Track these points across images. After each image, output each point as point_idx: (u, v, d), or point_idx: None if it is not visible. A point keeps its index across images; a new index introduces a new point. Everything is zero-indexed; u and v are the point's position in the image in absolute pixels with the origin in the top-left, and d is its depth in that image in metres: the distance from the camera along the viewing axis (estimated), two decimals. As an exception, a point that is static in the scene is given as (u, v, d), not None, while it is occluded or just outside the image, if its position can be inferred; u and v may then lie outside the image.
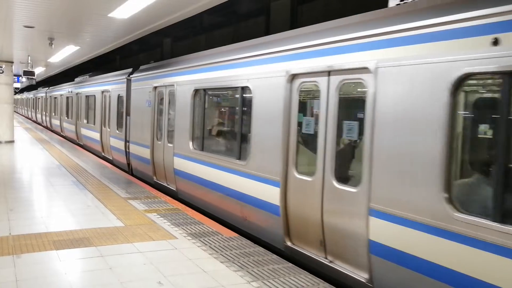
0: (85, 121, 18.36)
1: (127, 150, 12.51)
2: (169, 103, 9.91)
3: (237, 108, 7.53)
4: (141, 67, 12.33)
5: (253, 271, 5.14)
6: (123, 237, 6.18)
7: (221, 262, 5.39)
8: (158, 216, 7.43)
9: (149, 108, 10.89)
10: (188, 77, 8.91)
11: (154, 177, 10.61)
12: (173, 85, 9.54)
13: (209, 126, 8.76)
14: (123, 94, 13.00)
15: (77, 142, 19.76)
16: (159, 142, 10.30)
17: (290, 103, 5.94)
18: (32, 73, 18.88)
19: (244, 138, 7.12)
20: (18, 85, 33.73)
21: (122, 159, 13.12)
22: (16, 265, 5.03)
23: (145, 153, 11.01)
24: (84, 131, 18.43)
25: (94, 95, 16.75)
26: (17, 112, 53.29)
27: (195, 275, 4.98)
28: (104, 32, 11.46)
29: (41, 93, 33.86)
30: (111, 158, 14.39)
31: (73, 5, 8.67)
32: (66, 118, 22.94)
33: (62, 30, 11.55)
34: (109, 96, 14.68)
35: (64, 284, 4.63)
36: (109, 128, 14.64)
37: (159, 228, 6.73)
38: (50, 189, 9.36)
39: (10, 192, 8.84)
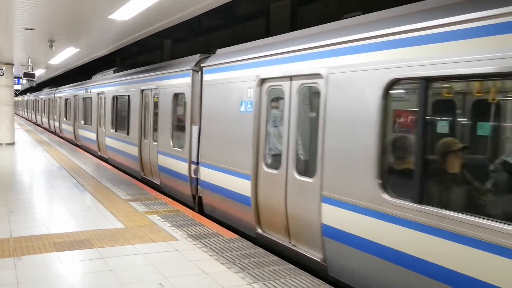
0: (111, 129, 14.22)
1: (193, 176, 8.52)
2: (298, 106, 5.89)
3: None
4: (220, 51, 8.34)
5: (254, 272, 5.15)
6: (123, 239, 6.18)
7: (222, 263, 5.40)
8: (159, 217, 7.43)
9: (246, 115, 6.86)
10: (369, 56, 4.75)
11: (259, 228, 6.66)
12: (318, 74, 5.40)
13: (440, 152, 4.46)
14: (186, 92, 8.87)
15: (99, 154, 15.98)
16: (274, 172, 6.27)
17: None
18: (32, 75, 18.97)
19: None
20: (18, 87, 33.71)
21: (181, 188, 9.02)
22: (17, 267, 5.04)
23: (239, 186, 6.98)
24: (110, 142, 14.32)
25: (128, 95, 12.60)
26: (18, 115, 53.25)
27: (196, 276, 4.99)
28: (104, 34, 11.48)
29: (48, 94, 30.11)
30: (158, 183, 10.32)
31: (73, 7, 8.69)
32: (82, 123, 18.76)
33: (62, 32, 11.57)
34: (155, 96, 10.69)
35: (65, 286, 4.64)
36: (154, 141, 10.57)
37: (160, 229, 6.73)
38: (51, 191, 9.37)
39: (11, 194, 8.85)
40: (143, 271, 5.07)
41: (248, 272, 5.14)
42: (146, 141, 11.10)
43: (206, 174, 8.10)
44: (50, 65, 20.18)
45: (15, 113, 30.98)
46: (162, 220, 7.29)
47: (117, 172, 12.34)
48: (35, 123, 37.93)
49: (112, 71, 15.76)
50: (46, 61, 18.64)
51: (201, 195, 8.39)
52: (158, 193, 9.62)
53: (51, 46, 12.92)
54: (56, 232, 6.39)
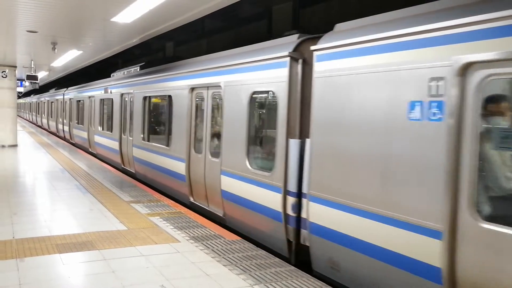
0: (142, 138, 11.69)
1: (291, 214, 5.93)
2: None
3: None
4: (340, 26, 5.51)
5: (255, 274, 5.15)
6: (126, 241, 6.19)
7: (224, 265, 5.40)
8: (161, 219, 7.44)
9: (425, 124, 4.16)
10: None
11: None
12: None
13: None
14: (277, 90, 6.24)
15: (122, 167, 13.52)
16: (506, 231, 3.55)
17: None
18: (35, 78, 19.01)
19: None
20: (21, 89, 33.73)
21: (266, 227, 6.50)
22: (20, 268, 5.06)
23: (411, 245, 4.26)
24: (140, 154, 11.76)
25: (168, 96, 10.06)
26: (23, 118, 53.27)
27: (198, 278, 4.99)
28: (107, 36, 11.53)
29: (56, 95, 27.24)
30: (220, 214, 7.73)
31: (76, 10, 8.73)
32: (100, 129, 16.11)
33: (65, 35, 11.62)
34: (214, 96, 8.14)
35: (68, 288, 4.66)
36: (214, 156, 7.99)
37: (162, 231, 6.74)
38: (53, 193, 9.39)
39: (14, 196, 8.87)
40: (145, 273, 5.08)
41: (250, 274, 5.14)
42: (199, 156, 8.49)
43: (324, 215, 5.32)
44: (52, 67, 20.27)
45: (19, 116, 30.84)
46: (164, 222, 7.30)
47: (119, 174, 12.36)
48: (41, 127, 36.14)
49: (138, 67, 13.40)
50: (49, 63, 18.72)
51: (307, 244, 5.66)
52: (160, 195, 9.60)
53: (53, 48, 12.99)
54: (58, 234, 6.41)
